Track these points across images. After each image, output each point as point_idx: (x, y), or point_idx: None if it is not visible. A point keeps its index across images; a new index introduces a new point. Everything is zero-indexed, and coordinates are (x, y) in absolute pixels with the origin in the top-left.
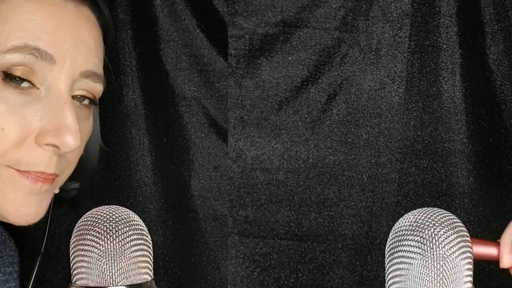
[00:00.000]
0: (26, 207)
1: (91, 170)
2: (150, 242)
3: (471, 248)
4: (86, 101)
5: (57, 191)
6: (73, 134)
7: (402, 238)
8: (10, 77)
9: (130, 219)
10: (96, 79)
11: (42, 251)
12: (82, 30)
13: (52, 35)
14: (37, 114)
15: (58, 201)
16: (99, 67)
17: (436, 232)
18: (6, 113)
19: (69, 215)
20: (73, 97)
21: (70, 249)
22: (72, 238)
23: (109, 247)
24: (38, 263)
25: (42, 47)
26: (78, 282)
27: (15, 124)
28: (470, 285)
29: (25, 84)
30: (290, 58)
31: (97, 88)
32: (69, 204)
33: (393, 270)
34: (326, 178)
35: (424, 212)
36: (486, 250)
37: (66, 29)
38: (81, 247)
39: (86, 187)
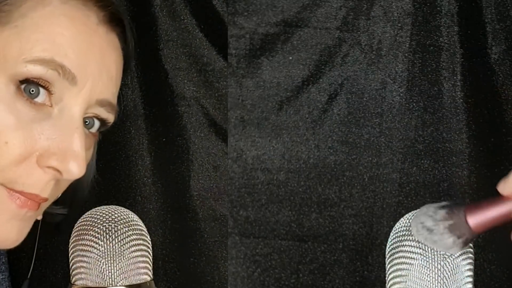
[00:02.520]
0: (8, 232)
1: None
2: (149, 242)
3: (472, 248)
4: (94, 128)
5: (40, 217)
6: (79, 162)
7: (403, 239)
8: (26, 87)
9: (129, 219)
10: (110, 109)
11: (29, 276)
12: (108, 57)
13: (79, 55)
14: (44, 133)
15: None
16: (115, 97)
17: None
18: (13, 127)
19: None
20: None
21: (70, 249)
22: (71, 238)
23: (108, 247)
24: None
25: (68, 65)
26: (77, 282)
27: (20, 140)
28: (470, 285)
29: (39, 99)
30: (291, 58)
31: (109, 119)
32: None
33: (394, 271)
34: (327, 178)
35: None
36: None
37: (94, 53)
38: (80, 247)
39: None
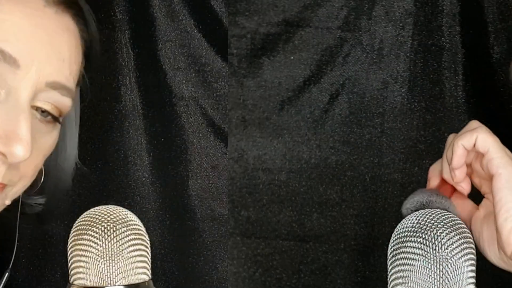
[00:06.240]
0: None
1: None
2: (148, 242)
3: (474, 249)
4: (49, 117)
5: (8, 202)
6: (23, 144)
7: (404, 240)
8: None
9: (128, 219)
10: (65, 92)
11: (10, 267)
12: (57, 38)
13: (22, 39)
14: None
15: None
16: (70, 80)
17: (438, 234)
18: None
19: (67, 216)
20: (36, 108)
21: (68, 249)
22: (70, 238)
23: (106, 247)
24: (5, 280)
25: (8, 50)
26: (76, 282)
27: None
28: (472, 286)
29: None
30: (292, 58)
31: (65, 103)
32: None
33: (396, 272)
34: (328, 178)
35: (426, 213)
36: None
37: (39, 35)
38: (79, 247)
39: (85, 187)
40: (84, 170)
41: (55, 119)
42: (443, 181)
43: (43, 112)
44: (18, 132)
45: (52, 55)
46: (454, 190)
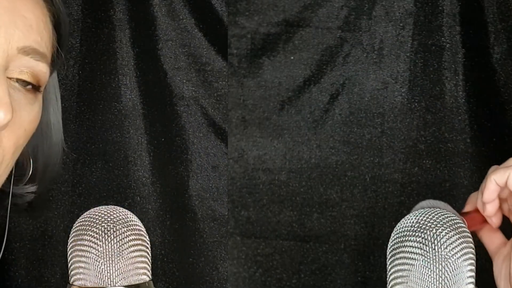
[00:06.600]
0: None
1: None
2: (148, 242)
3: (474, 249)
4: (28, 86)
5: None
6: (2, 107)
7: (404, 239)
8: None
9: (128, 219)
10: (39, 57)
11: None
12: (21, 6)
13: None
14: None
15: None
16: (42, 45)
17: (438, 233)
18: None
19: (67, 216)
20: (15, 80)
21: (68, 249)
22: (69, 238)
23: (107, 247)
24: None
25: None
26: (76, 283)
27: None
28: (472, 286)
29: None
30: (292, 58)
31: (40, 68)
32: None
33: (395, 271)
34: (328, 179)
35: (426, 212)
36: (476, 221)
37: (2, 2)
38: (78, 247)
39: (85, 187)
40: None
41: (34, 87)
42: (476, 210)
43: (22, 82)
44: None
45: (17, 20)
46: (485, 220)
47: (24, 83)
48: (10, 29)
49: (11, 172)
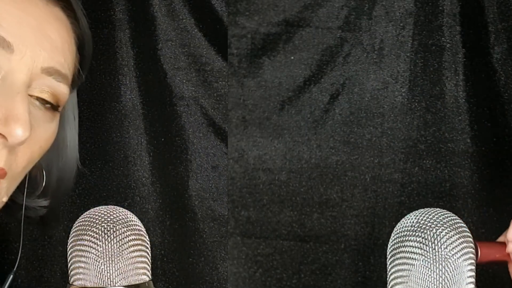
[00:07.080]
0: None
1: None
2: (148, 242)
3: (473, 248)
4: (47, 105)
5: (5, 199)
6: (22, 124)
7: (404, 239)
8: None
9: (128, 219)
10: (60, 78)
11: (14, 269)
12: (48, 27)
13: (14, 24)
14: None
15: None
16: (65, 67)
17: (438, 233)
18: None
19: (67, 216)
20: (36, 98)
21: (68, 249)
22: (69, 238)
23: (106, 247)
24: (9, 282)
25: (2, 34)
26: (76, 283)
27: None
28: (472, 286)
29: None
30: (292, 58)
31: (61, 89)
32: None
33: (395, 271)
34: (328, 179)
35: (426, 212)
36: (494, 251)
37: (30, 22)
38: (78, 247)
39: (85, 187)
40: (84, 171)
41: (53, 107)
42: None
43: (42, 100)
44: (16, 112)
45: (44, 41)
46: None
47: (44, 101)
48: (37, 49)
49: (24, 184)
